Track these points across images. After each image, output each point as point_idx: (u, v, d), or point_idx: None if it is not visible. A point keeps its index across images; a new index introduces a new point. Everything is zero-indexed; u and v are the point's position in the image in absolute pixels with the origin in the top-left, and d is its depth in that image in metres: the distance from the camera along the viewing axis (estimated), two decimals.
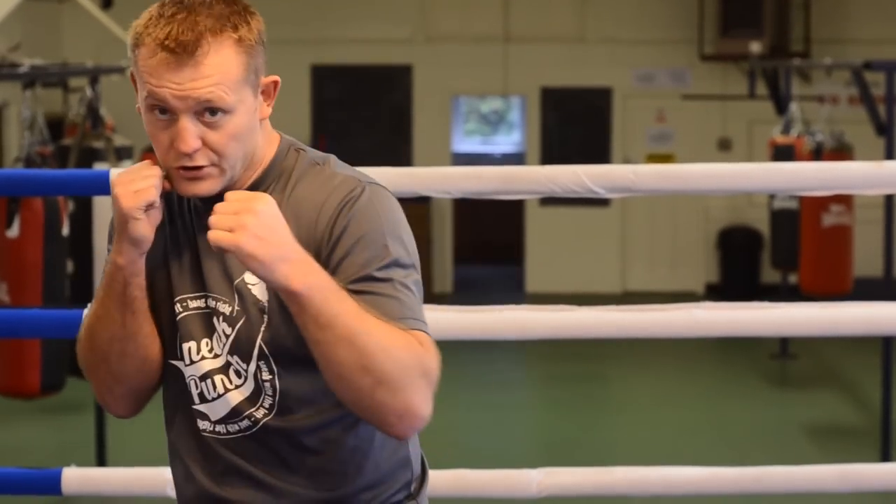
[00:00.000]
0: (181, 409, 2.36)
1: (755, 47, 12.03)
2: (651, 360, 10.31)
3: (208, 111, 2.19)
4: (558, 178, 3.81)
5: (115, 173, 2.28)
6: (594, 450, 8.09)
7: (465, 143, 15.00)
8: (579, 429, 8.69)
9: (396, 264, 2.22)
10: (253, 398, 2.29)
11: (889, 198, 7.32)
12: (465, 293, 13.08)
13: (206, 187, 2.24)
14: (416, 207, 11.96)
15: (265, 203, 2.11)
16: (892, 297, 5.18)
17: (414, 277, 2.24)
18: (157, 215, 2.24)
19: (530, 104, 13.64)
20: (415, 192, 3.81)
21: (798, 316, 3.96)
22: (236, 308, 2.28)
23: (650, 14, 13.31)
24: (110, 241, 2.37)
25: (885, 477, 4.20)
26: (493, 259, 14.57)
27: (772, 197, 10.07)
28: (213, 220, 2.10)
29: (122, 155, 7.11)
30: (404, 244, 2.25)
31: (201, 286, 2.31)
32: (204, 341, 2.31)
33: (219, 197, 2.27)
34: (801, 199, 9.35)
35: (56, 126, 8.19)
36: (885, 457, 6.99)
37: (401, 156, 13.11)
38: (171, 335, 2.34)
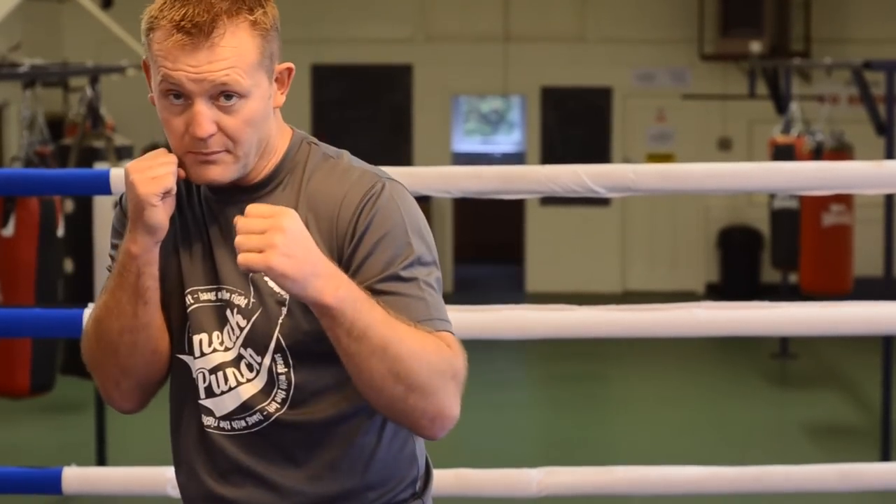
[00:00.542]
0: (187, 405, 2.35)
1: (755, 47, 12.04)
2: (651, 360, 10.31)
3: (223, 95, 2.18)
4: (558, 178, 3.81)
5: (129, 163, 2.25)
6: (594, 449, 8.10)
7: (466, 143, 15.00)
8: (579, 428, 8.69)
9: (419, 262, 2.22)
10: (265, 392, 2.28)
11: (889, 197, 7.31)
12: (466, 293, 13.07)
13: (219, 173, 2.22)
14: None
15: (291, 219, 2.08)
16: (892, 297, 5.18)
17: (436, 275, 2.25)
18: (171, 203, 2.23)
19: (530, 104, 13.64)
20: (415, 191, 3.78)
21: (798, 315, 3.96)
22: (252, 300, 2.26)
23: (650, 14, 13.31)
24: (114, 235, 2.36)
25: (885, 476, 4.20)
26: (493, 258, 14.57)
27: (772, 196, 10.07)
28: (239, 241, 2.08)
29: (123, 154, 7.11)
30: (425, 241, 2.25)
31: (214, 278, 2.29)
32: (215, 334, 2.29)
33: (231, 186, 2.26)
34: (802, 199, 9.35)
35: (56, 126, 8.20)
36: (885, 456, 6.99)
37: (401, 155, 13.11)
38: (181, 328, 2.32)
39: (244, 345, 2.27)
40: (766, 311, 3.93)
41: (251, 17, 2.19)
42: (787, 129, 9.93)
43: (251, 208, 2.12)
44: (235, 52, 2.17)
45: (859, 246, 9.61)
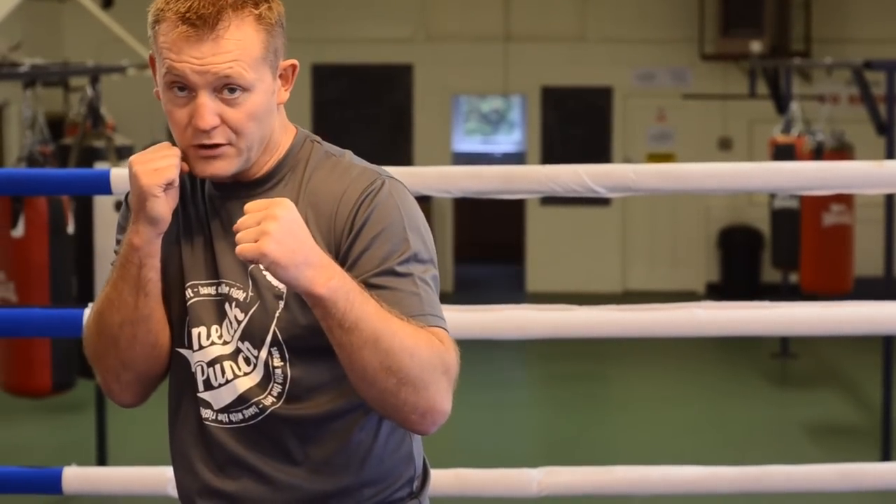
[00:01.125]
0: (185, 399, 2.35)
1: (756, 47, 12.03)
2: (651, 360, 10.31)
3: (227, 88, 2.20)
4: (559, 178, 3.81)
5: (133, 155, 2.27)
6: (594, 449, 8.10)
7: (466, 143, 15.00)
8: (580, 428, 8.69)
9: (416, 259, 2.23)
10: (262, 385, 2.29)
11: (889, 197, 7.32)
12: (466, 292, 13.07)
13: (222, 167, 2.24)
14: None
15: (286, 209, 2.10)
16: (892, 297, 5.18)
17: (432, 272, 2.26)
18: (174, 195, 2.25)
19: (531, 103, 13.64)
20: (415, 191, 3.78)
21: (798, 315, 3.96)
22: (250, 294, 2.27)
23: (651, 13, 13.31)
24: (119, 231, 2.37)
25: (885, 476, 4.20)
26: (493, 258, 14.57)
27: (772, 196, 10.07)
28: (238, 236, 2.10)
29: (123, 154, 7.10)
30: (423, 239, 2.26)
31: (214, 273, 2.30)
32: (214, 327, 2.30)
33: (233, 182, 2.28)
34: (802, 199, 9.35)
35: (57, 125, 8.19)
36: (885, 456, 6.99)
37: (401, 155, 13.11)
38: (180, 321, 2.33)
39: (242, 338, 2.28)
40: (767, 311, 3.93)
41: (256, 12, 2.22)
42: (787, 129, 9.92)
43: (251, 204, 2.13)
44: (240, 45, 2.19)
45: (860, 246, 9.61)
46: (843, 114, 11.83)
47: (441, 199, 12.69)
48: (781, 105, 10.67)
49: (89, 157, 6.99)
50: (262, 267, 2.21)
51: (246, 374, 2.29)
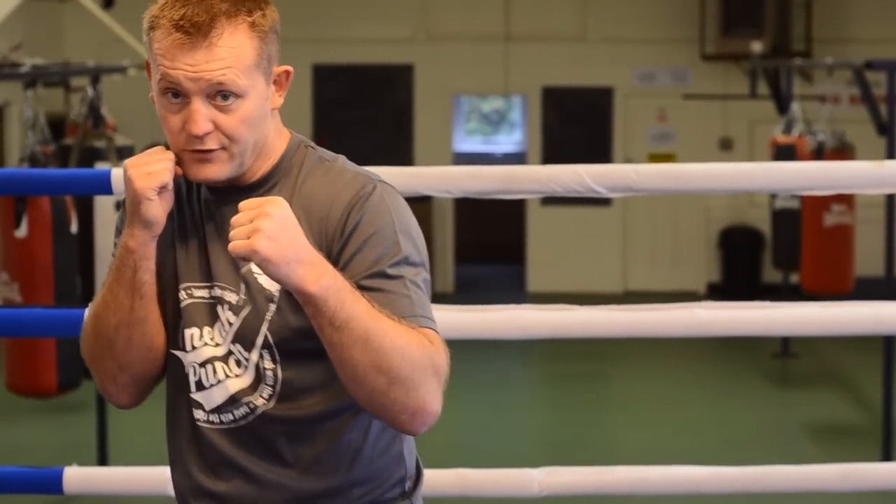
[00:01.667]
0: (180, 400, 2.37)
1: (756, 47, 12.03)
2: (652, 360, 10.31)
3: (220, 95, 2.22)
4: (559, 178, 3.81)
5: (128, 159, 2.30)
6: (595, 449, 8.10)
7: (467, 143, 15.00)
8: (580, 428, 8.69)
9: (407, 262, 2.25)
10: (253, 386, 2.31)
11: (890, 197, 7.31)
12: (467, 293, 13.07)
13: (215, 171, 2.26)
14: (418, 207, 11.83)
15: (278, 206, 2.12)
16: (893, 297, 5.18)
17: (423, 276, 2.28)
18: (169, 199, 2.27)
19: (531, 104, 13.64)
20: (416, 191, 3.80)
21: (799, 315, 3.96)
22: (242, 297, 2.29)
23: (651, 13, 13.31)
24: (117, 234, 2.39)
25: (886, 476, 4.20)
26: (494, 258, 14.57)
27: (773, 196, 10.07)
28: (232, 233, 2.12)
29: (124, 154, 7.10)
30: (414, 242, 2.28)
31: (207, 275, 2.32)
32: (206, 329, 2.32)
33: (227, 186, 2.30)
34: (803, 199, 9.35)
35: (57, 126, 8.19)
36: (886, 456, 6.99)
37: (402, 155, 13.11)
38: (174, 323, 2.35)
39: (233, 340, 2.31)
40: (768, 311, 3.93)
41: (250, 19, 2.24)
42: (788, 129, 9.92)
43: (245, 203, 2.15)
44: (233, 52, 2.21)
45: (860, 246, 9.61)
46: (844, 114, 11.83)
47: (442, 200, 12.69)
48: (782, 105, 10.67)
49: (90, 157, 6.99)
50: (253, 267, 2.24)
51: (237, 375, 2.31)
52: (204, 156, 2.25)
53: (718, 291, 13.10)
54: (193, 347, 2.33)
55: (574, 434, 8.50)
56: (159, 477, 3.94)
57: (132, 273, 2.28)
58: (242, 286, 2.29)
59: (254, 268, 2.26)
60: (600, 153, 13.18)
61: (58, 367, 6.23)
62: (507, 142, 15.37)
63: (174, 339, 2.36)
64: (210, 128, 2.23)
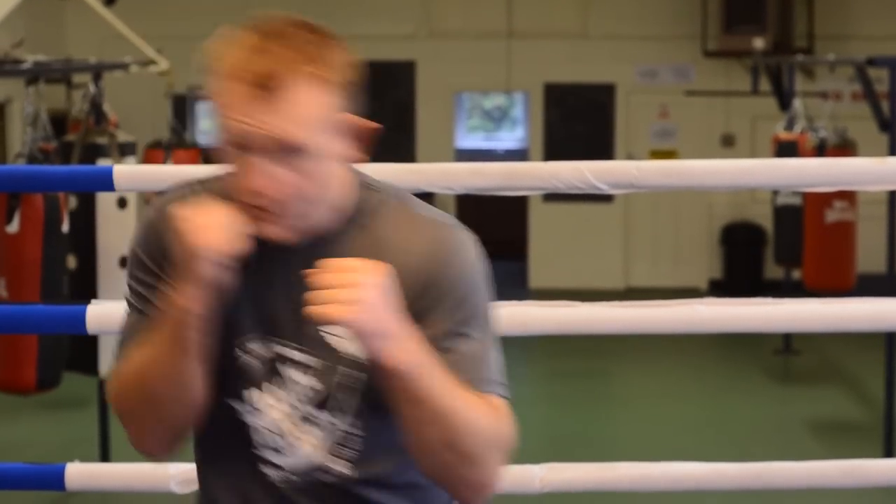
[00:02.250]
0: (232, 449, 2.25)
1: (758, 43, 12.03)
2: (654, 357, 10.31)
3: (284, 151, 2.07)
4: (561, 174, 3.81)
5: (183, 209, 2.15)
6: (597, 446, 8.10)
7: (469, 139, 14.99)
8: (582, 425, 8.69)
9: (484, 319, 2.21)
10: (329, 449, 2.21)
11: (892, 194, 7.31)
12: None
13: (276, 231, 2.13)
14: None
15: (377, 275, 2.03)
16: (895, 293, 5.18)
17: (495, 329, 2.24)
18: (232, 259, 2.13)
19: (533, 100, 13.64)
20: (418, 188, 3.80)
21: (801, 312, 3.96)
22: (315, 356, 2.18)
23: (653, 10, 13.31)
24: (135, 280, 2.25)
25: (888, 473, 4.20)
26: (496, 255, 14.31)
27: (775, 193, 10.06)
28: (319, 296, 2.01)
29: (126, 151, 7.11)
30: (488, 295, 2.24)
31: (269, 329, 2.20)
32: (266, 385, 2.21)
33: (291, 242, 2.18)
34: (805, 196, 9.34)
35: (59, 122, 8.19)
36: (888, 452, 6.99)
37: (404, 152, 13.11)
38: (228, 375, 2.21)
39: (302, 400, 2.20)
40: (770, 308, 3.92)
41: (318, 73, 2.09)
42: (790, 126, 9.92)
43: (332, 264, 2.04)
44: (299, 108, 2.07)
45: (862, 242, 9.61)
46: (846, 110, 11.82)
47: (444, 196, 12.68)
48: (784, 102, 10.67)
49: (92, 153, 6.99)
50: (331, 330, 2.14)
51: (310, 437, 2.21)
52: (265, 214, 2.11)
53: (720, 288, 13.10)
54: (256, 408, 2.21)
55: (575, 430, 8.50)
56: (161, 473, 3.94)
57: (184, 333, 2.13)
58: (317, 345, 2.18)
59: (329, 328, 2.15)
60: (602, 150, 13.18)
61: (38, 364, 6.19)
62: (509, 138, 15.36)
63: (226, 389, 2.22)
64: (272, 185, 2.08)
